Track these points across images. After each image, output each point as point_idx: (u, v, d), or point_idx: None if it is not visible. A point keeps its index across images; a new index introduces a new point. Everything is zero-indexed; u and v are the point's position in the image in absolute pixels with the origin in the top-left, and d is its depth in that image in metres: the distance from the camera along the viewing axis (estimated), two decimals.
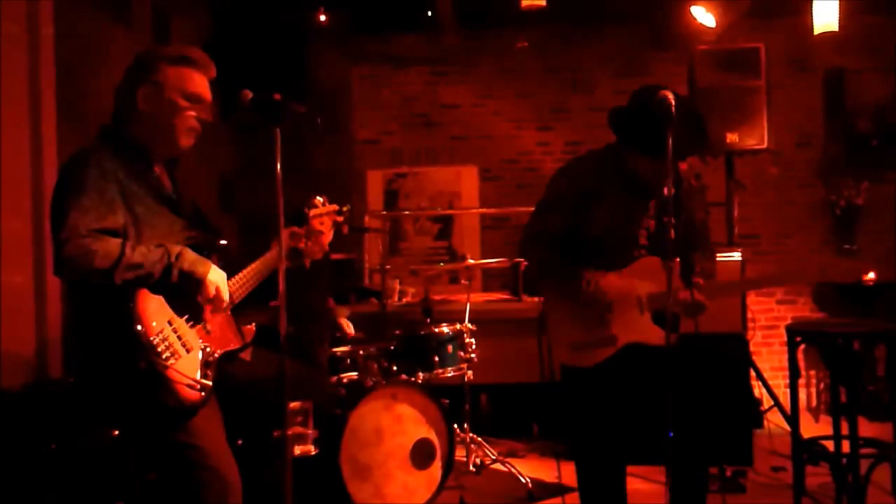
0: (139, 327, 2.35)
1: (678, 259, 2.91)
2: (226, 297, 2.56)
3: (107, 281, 2.34)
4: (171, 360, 2.38)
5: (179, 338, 2.44)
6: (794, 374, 3.91)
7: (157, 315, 2.41)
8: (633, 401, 3.00)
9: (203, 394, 2.45)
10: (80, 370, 2.62)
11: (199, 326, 2.52)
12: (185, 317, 2.49)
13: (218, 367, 2.55)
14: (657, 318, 2.96)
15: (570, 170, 3.20)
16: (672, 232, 2.71)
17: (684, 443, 2.66)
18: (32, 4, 3.88)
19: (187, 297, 2.50)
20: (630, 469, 3.27)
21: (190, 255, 2.49)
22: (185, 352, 2.44)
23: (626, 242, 3.02)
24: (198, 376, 2.45)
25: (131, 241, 2.45)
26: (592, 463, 3.11)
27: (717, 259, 3.39)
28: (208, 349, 2.52)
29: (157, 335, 2.38)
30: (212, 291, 2.52)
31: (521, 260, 5.61)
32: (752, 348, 5.32)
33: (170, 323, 2.43)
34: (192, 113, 2.63)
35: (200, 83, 2.66)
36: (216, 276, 2.54)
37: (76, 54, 4.23)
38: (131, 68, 2.65)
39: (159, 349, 2.36)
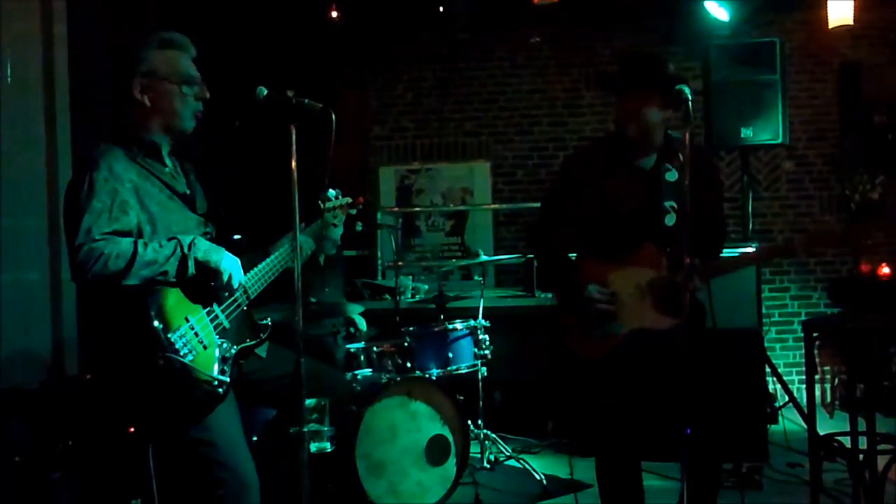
0: (157, 324, 2.35)
1: (676, 246, 2.87)
2: (237, 283, 2.56)
3: (124, 281, 2.34)
4: (189, 357, 2.39)
5: (196, 334, 2.44)
6: (811, 370, 3.88)
7: (174, 312, 2.41)
8: (647, 392, 2.99)
9: (220, 391, 2.45)
10: (96, 367, 2.63)
11: (216, 323, 2.53)
12: (204, 309, 2.50)
13: (235, 363, 2.55)
14: (660, 304, 2.94)
15: (564, 162, 3.34)
16: (680, 218, 2.83)
17: (699, 439, 2.65)
18: (46, 3, 3.89)
19: (203, 287, 2.50)
20: (646, 466, 3.26)
21: (203, 244, 2.49)
22: (203, 348, 2.44)
23: (627, 228, 3.00)
24: (215, 373, 2.45)
25: (146, 239, 2.45)
26: (608, 456, 3.12)
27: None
28: (225, 345, 2.52)
29: (175, 332, 2.38)
30: (225, 278, 2.52)
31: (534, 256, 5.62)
32: (765, 344, 5.29)
33: (187, 319, 2.44)
34: (189, 92, 2.64)
35: (188, 63, 2.67)
36: (229, 264, 2.54)
37: (90, 52, 4.23)
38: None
39: (177, 346, 2.37)
